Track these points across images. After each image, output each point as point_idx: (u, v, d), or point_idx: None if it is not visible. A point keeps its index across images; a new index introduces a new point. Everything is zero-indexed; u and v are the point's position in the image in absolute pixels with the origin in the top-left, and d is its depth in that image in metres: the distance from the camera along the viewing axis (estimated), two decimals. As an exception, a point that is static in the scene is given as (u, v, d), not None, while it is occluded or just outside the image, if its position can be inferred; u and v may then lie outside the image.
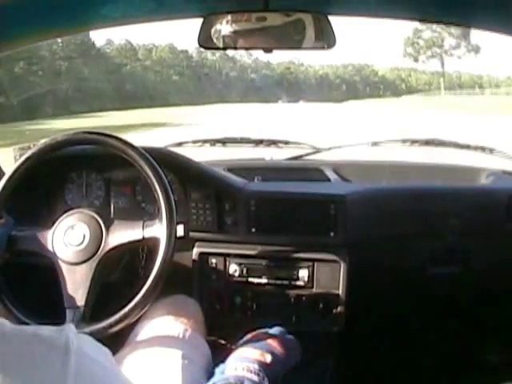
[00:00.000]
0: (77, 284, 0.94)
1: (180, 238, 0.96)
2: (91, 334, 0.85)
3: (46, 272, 0.98)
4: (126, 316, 0.91)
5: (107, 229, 0.97)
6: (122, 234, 0.97)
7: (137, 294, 0.92)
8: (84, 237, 0.96)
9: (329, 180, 1.46)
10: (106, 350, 0.48)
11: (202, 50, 1.08)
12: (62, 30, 1.17)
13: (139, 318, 0.97)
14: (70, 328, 0.45)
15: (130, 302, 0.92)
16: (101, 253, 0.96)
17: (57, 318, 0.92)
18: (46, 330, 0.43)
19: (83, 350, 0.43)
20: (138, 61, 61.70)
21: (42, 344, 0.41)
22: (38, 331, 0.42)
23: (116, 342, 0.95)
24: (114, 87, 45.39)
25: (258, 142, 1.62)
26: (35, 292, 1.07)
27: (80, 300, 0.93)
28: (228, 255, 1.31)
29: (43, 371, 0.39)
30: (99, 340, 0.48)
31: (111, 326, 0.91)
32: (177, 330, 0.98)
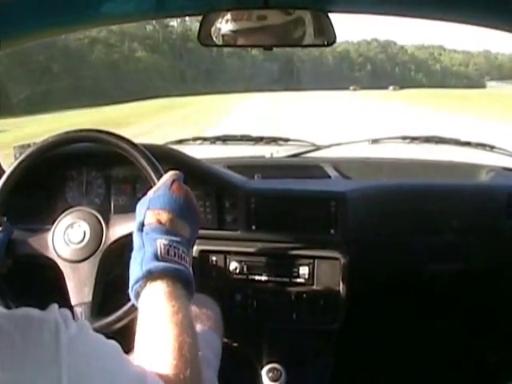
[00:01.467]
0: (82, 281, 0.93)
1: None
2: (99, 328, 0.85)
3: (49, 272, 0.98)
4: (130, 310, 0.91)
5: (107, 223, 0.97)
6: (122, 227, 0.96)
7: None
8: (84, 234, 0.96)
9: (329, 177, 1.46)
10: (86, 323, 0.50)
11: (185, 18, 1.01)
12: (60, 29, 1.17)
13: None
14: (54, 307, 0.47)
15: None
16: (102, 248, 0.95)
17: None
18: (36, 312, 0.45)
19: (70, 324, 0.45)
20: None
21: (33, 324, 0.43)
22: (29, 313, 0.44)
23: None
24: (30, 70, 26.02)
25: (258, 140, 1.63)
26: (38, 293, 1.07)
27: (87, 296, 0.93)
28: (228, 253, 1.31)
29: (37, 349, 0.41)
30: (106, 334, 0.50)
31: (118, 320, 0.90)
32: (199, 331, 0.98)
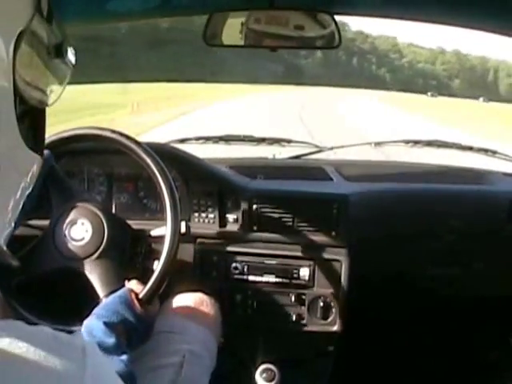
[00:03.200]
0: (103, 275, 0.94)
1: (182, 234, 0.96)
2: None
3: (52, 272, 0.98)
4: (150, 295, 0.91)
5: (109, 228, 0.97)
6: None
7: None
8: (86, 231, 0.96)
9: (331, 179, 1.46)
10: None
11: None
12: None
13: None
14: (81, 333, 0.46)
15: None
16: (104, 244, 0.95)
17: (63, 316, 0.91)
18: (64, 334, 0.44)
19: (97, 353, 0.46)
20: None
21: (61, 345, 0.42)
22: (56, 333, 0.43)
23: None
24: None
25: (261, 141, 1.62)
26: (43, 292, 1.07)
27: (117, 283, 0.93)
28: (229, 253, 1.30)
29: (62, 370, 0.40)
30: None
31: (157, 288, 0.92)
32: (192, 328, 0.99)
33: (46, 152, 0.95)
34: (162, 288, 0.92)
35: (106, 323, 0.78)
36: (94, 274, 0.94)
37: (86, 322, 0.80)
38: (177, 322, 1.00)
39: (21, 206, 0.49)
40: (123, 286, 0.91)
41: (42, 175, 0.95)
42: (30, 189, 0.50)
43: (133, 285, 0.92)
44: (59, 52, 0.49)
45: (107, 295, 0.90)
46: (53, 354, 0.40)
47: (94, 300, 0.93)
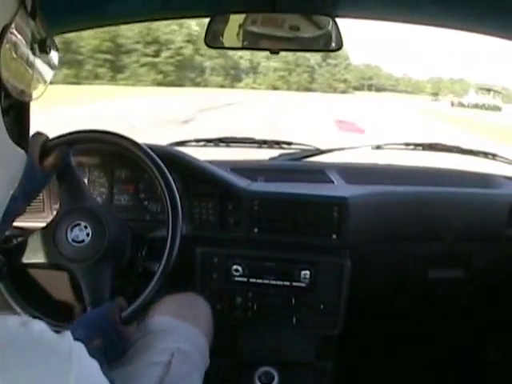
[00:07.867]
0: (93, 283, 0.93)
1: (183, 237, 0.96)
2: (132, 315, 0.90)
3: (50, 269, 0.97)
4: (132, 316, 0.91)
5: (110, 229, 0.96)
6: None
7: (140, 294, 0.91)
8: (87, 235, 0.95)
9: (332, 182, 1.46)
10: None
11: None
12: (62, 28, 1.16)
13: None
14: (68, 334, 0.46)
15: (133, 303, 0.91)
16: (103, 250, 0.95)
17: (61, 314, 0.91)
18: (51, 335, 0.43)
19: (83, 357, 0.45)
20: None
21: (46, 348, 0.41)
22: (44, 335, 0.43)
23: None
24: None
25: (261, 143, 1.62)
26: (40, 290, 1.07)
27: (105, 295, 0.94)
28: (230, 255, 1.30)
29: (46, 375, 0.40)
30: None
31: (147, 304, 0.93)
32: (181, 327, 0.99)
33: (63, 148, 0.96)
34: (147, 309, 0.92)
35: (85, 336, 0.79)
36: (84, 281, 0.94)
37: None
38: (167, 322, 1.00)
39: (7, 201, 0.49)
40: (111, 297, 0.92)
41: (57, 170, 0.96)
42: (16, 184, 0.50)
43: (119, 301, 0.93)
44: (42, 48, 0.49)
45: (93, 303, 0.92)
46: (37, 359, 0.40)
47: (81, 303, 0.94)
